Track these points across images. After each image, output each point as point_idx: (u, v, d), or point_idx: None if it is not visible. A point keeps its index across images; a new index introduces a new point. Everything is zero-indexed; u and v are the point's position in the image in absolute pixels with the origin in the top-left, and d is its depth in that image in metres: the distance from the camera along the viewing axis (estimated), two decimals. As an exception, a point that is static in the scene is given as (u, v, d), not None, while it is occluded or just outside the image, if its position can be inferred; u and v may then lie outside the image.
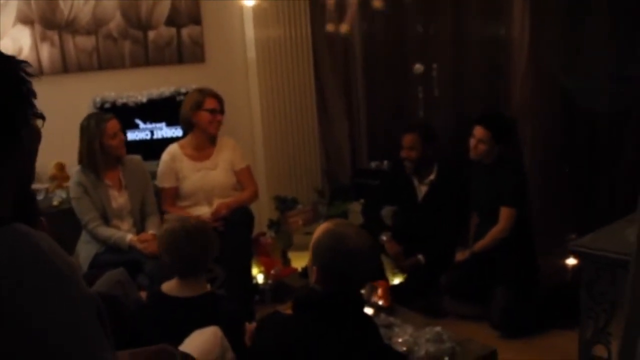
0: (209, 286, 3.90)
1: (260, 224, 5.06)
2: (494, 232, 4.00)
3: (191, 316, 2.62)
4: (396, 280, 4.42)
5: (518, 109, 4.45)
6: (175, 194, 4.16)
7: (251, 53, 5.29)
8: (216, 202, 4.08)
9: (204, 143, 4.16)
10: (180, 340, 2.45)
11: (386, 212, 4.58)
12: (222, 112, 4.10)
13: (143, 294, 2.99)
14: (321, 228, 2.11)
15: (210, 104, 4.05)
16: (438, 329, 3.27)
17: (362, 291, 3.57)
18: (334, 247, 2.02)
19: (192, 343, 2.37)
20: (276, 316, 2.19)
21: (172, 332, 2.50)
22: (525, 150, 4.41)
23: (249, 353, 2.30)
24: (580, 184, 4.35)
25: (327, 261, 2.02)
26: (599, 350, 2.60)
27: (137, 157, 4.05)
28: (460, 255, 4.12)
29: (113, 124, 3.79)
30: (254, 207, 4.45)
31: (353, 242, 1.99)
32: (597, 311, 2.15)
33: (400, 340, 3.15)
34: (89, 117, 3.86)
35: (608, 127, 4.15)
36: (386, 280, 4.03)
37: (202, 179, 4.13)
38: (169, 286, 2.79)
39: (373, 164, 5.55)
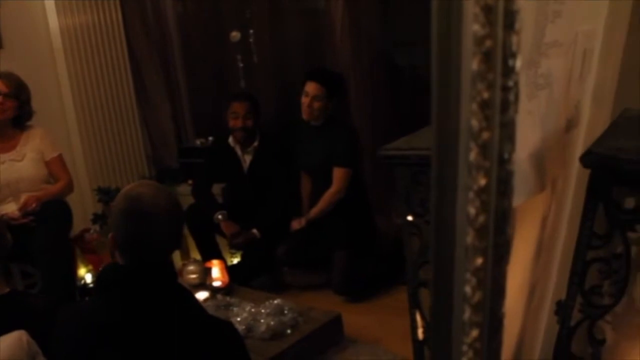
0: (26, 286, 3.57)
1: (84, 220, 4.70)
2: (329, 195, 3.87)
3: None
4: (235, 260, 4.23)
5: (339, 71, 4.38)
6: (-23, 192, 3.71)
7: (57, 40, 4.85)
8: (24, 197, 3.67)
9: (3, 133, 3.75)
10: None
11: (216, 189, 4.36)
12: (7, 95, 3.67)
13: None
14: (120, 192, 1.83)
15: None
16: (277, 301, 3.15)
17: (192, 268, 3.40)
18: (127, 209, 1.72)
19: (-9, 353, 2.05)
20: (74, 306, 1.91)
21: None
22: (352, 110, 4.34)
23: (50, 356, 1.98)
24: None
25: (121, 226, 1.74)
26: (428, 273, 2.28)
27: None
28: (296, 224, 3.96)
29: None
30: (75, 202, 4.10)
31: (148, 203, 1.70)
32: (419, 225, 1.64)
33: (238, 319, 3.00)
34: None
35: (427, 84, 4.18)
36: (223, 260, 3.83)
37: (6, 172, 3.69)
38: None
39: (198, 142, 5.34)
